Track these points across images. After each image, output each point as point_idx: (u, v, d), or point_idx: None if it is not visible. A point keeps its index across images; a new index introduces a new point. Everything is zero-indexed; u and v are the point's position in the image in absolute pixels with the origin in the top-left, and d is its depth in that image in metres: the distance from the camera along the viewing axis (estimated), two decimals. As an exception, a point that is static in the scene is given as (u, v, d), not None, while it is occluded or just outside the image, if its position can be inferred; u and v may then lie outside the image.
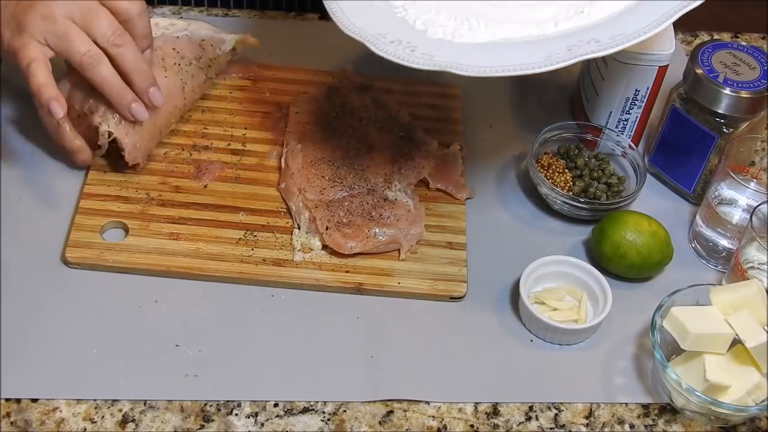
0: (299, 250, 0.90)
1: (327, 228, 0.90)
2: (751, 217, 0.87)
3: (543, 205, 0.99)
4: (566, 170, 0.98)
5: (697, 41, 1.21)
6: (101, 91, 0.89)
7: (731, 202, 0.94)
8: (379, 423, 0.81)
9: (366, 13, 0.87)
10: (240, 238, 0.91)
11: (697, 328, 0.80)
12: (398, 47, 0.82)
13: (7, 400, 0.80)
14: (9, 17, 0.86)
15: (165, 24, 1.00)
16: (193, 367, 0.83)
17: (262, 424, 0.80)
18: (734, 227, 0.93)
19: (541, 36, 0.83)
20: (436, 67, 0.79)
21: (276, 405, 0.82)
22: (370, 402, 0.82)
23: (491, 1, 0.87)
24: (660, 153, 1.01)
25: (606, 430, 0.82)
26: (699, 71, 0.93)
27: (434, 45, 0.83)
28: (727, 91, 0.91)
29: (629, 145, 1.00)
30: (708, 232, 0.95)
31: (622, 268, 0.91)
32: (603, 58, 0.98)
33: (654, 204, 0.99)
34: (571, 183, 0.97)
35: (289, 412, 0.81)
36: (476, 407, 0.83)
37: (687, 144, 0.97)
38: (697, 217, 0.96)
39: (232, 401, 0.81)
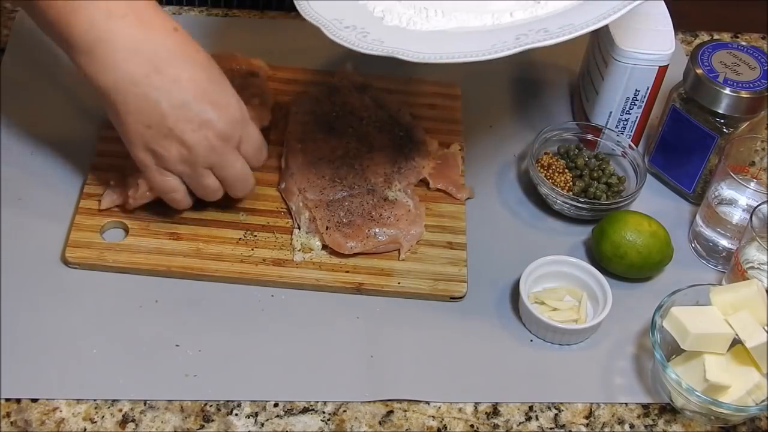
0: (299, 250, 0.90)
1: (327, 228, 0.90)
2: (751, 217, 0.87)
3: (543, 205, 0.99)
4: (566, 170, 0.98)
5: (697, 41, 1.21)
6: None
7: (731, 202, 0.94)
8: (379, 423, 0.81)
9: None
10: (240, 238, 0.91)
11: (697, 328, 0.80)
12: (351, 33, 0.83)
13: (7, 400, 0.80)
14: (149, 137, 0.82)
15: None
16: (193, 367, 0.83)
17: (262, 424, 0.80)
18: (734, 227, 0.93)
19: (495, 26, 0.84)
20: (383, 52, 0.80)
21: (276, 405, 0.82)
22: (370, 402, 0.82)
23: None
24: (660, 153, 1.01)
25: (606, 430, 0.82)
26: (699, 71, 0.93)
27: (387, 32, 0.84)
28: (727, 91, 0.91)
29: (629, 145, 1.00)
30: (708, 232, 0.95)
31: (622, 268, 0.91)
32: (603, 57, 0.98)
33: (654, 204, 0.99)
34: (571, 183, 0.97)
35: (289, 412, 0.81)
36: (476, 407, 0.83)
37: (687, 144, 0.97)
38: (697, 217, 0.96)
39: (232, 401, 0.81)
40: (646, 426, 0.83)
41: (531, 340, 0.88)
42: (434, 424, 0.81)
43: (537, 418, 0.83)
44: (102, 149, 0.97)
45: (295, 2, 0.87)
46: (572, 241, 0.96)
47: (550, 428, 0.82)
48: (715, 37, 1.21)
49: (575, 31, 0.77)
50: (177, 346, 0.84)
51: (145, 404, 0.81)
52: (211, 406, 0.81)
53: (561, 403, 0.84)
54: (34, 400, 0.80)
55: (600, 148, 1.02)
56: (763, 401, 0.80)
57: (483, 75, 1.12)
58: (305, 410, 0.81)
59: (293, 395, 0.82)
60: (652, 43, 0.95)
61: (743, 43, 0.97)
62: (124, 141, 0.84)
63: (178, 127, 0.81)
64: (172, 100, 0.80)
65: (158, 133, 0.81)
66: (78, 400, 0.80)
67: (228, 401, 0.81)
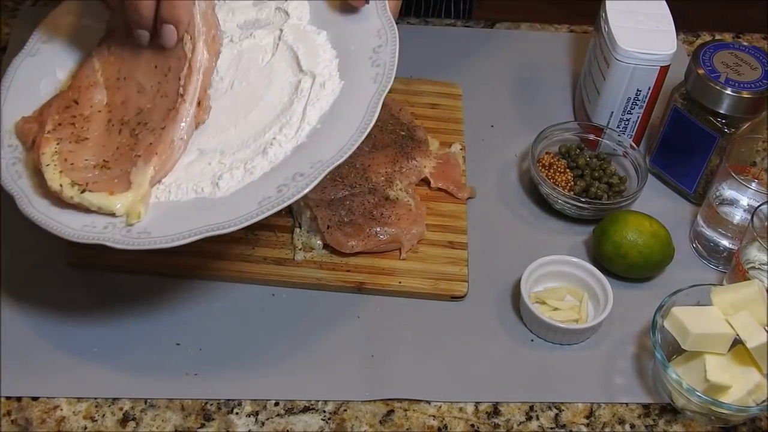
0: (300, 249, 0.90)
1: (328, 227, 0.90)
2: (752, 217, 0.86)
3: (544, 204, 0.99)
4: (567, 170, 0.98)
5: (699, 41, 1.21)
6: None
7: (732, 203, 0.94)
8: (380, 422, 0.81)
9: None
10: (240, 237, 0.91)
11: (698, 328, 0.80)
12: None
13: (8, 398, 0.80)
14: None
15: None
16: (193, 366, 0.83)
17: (263, 423, 0.80)
18: (735, 227, 0.93)
19: (154, 203, 0.80)
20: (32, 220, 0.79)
21: (276, 404, 0.82)
22: (370, 401, 0.82)
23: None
24: (661, 153, 1.01)
25: (606, 430, 0.82)
26: (700, 71, 0.93)
27: None
28: (728, 91, 0.91)
29: (630, 145, 1.00)
30: (709, 233, 0.95)
31: (623, 268, 0.91)
32: (605, 57, 0.98)
33: (655, 204, 0.99)
34: (572, 183, 0.97)
35: (289, 411, 0.81)
36: (477, 407, 0.83)
37: (688, 144, 0.97)
38: (698, 217, 0.96)
39: (233, 400, 0.81)
40: (646, 426, 0.83)
41: (532, 340, 0.88)
42: (435, 423, 0.81)
43: (537, 418, 0.83)
44: (103, 148, 0.96)
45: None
46: (573, 240, 0.96)
47: (551, 428, 0.82)
48: (717, 37, 1.21)
49: (181, 239, 0.75)
50: (177, 345, 0.84)
51: (145, 403, 0.81)
52: (211, 404, 0.81)
53: (561, 402, 0.84)
54: (35, 399, 0.80)
55: (601, 147, 1.02)
56: (763, 401, 0.80)
57: (484, 74, 1.12)
58: (306, 409, 0.81)
59: (294, 394, 0.82)
60: (653, 43, 0.95)
61: (744, 44, 0.97)
62: None
63: None
64: None
65: None
66: (78, 398, 0.80)
67: (228, 400, 0.81)
